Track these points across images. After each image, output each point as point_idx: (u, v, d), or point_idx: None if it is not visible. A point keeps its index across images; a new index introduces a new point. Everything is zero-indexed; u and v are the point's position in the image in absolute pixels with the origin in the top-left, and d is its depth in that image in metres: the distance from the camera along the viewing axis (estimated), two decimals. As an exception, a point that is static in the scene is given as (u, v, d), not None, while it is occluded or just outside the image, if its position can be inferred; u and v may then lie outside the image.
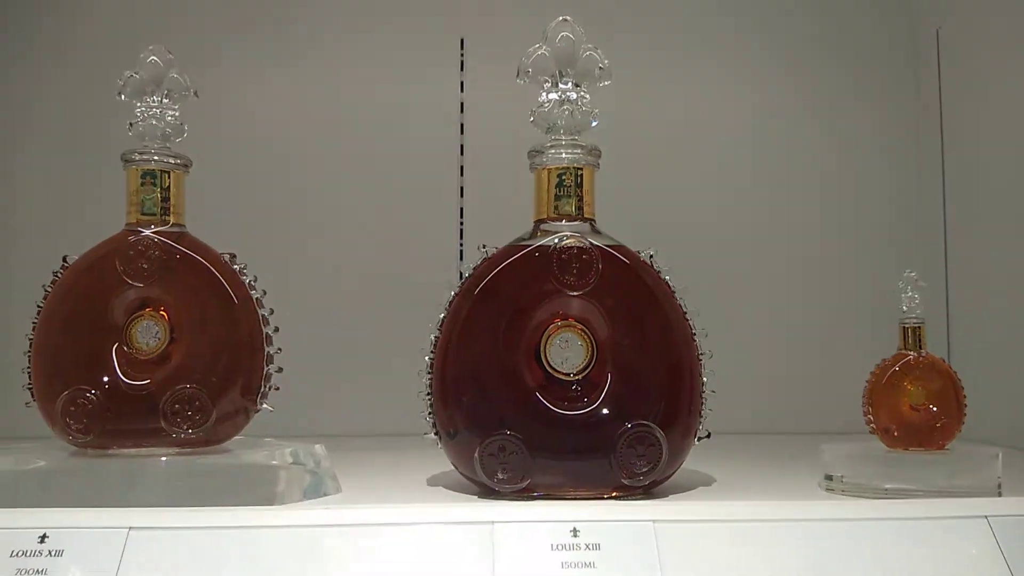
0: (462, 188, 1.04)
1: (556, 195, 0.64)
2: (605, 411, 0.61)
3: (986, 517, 0.48)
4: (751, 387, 1.00)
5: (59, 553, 0.44)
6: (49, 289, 0.62)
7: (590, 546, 0.46)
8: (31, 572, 0.43)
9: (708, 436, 0.64)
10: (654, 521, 0.47)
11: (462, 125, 1.05)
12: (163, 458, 0.57)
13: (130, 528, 0.45)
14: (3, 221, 0.99)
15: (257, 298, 0.63)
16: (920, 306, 0.64)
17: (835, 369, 0.95)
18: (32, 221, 1.00)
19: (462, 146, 1.05)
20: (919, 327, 0.64)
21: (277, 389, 0.64)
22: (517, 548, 0.45)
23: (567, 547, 0.46)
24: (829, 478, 0.63)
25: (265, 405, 0.63)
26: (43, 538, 0.44)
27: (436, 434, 0.64)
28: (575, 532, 0.46)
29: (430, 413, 0.64)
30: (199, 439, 0.60)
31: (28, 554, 0.44)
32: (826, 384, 1.00)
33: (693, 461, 0.65)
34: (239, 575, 0.44)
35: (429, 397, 0.65)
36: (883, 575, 0.46)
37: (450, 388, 0.64)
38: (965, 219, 1.00)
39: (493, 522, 0.47)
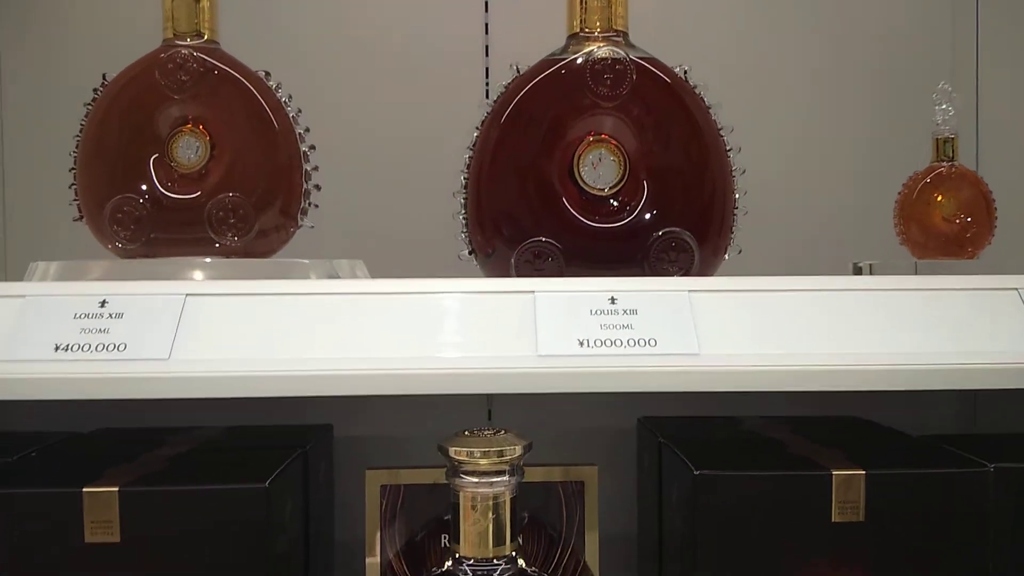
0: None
1: (588, 6, 0.64)
2: (638, 223, 0.62)
3: (1017, 290, 0.49)
4: (781, 206, 0.97)
5: (119, 316, 0.46)
6: (90, 106, 0.63)
7: (628, 311, 0.47)
8: (93, 331, 0.45)
9: (739, 252, 0.65)
10: (690, 291, 0.48)
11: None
12: (207, 259, 0.58)
13: (187, 295, 0.47)
14: (44, 41, 0.97)
15: (293, 116, 0.64)
16: (953, 118, 0.64)
17: (867, 190, 0.91)
18: (71, 41, 0.97)
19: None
20: (952, 139, 0.64)
21: (316, 207, 0.65)
22: (557, 312, 0.47)
23: (605, 312, 0.47)
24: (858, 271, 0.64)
25: (305, 222, 0.65)
26: (103, 303, 0.46)
27: (471, 253, 0.66)
28: (613, 300, 0.48)
29: (465, 233, 0.66)
30: (242, 250, 0.61)
31: (90, 316, 0.46)
32: (858, 204, 0.97)
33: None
34: (289, 336, 0.46)
35: (464, 218, 0.66)
36: (912, 340, 0.47)
37: (485, 209, 0.65)
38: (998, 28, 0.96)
39: (534, 291, 0.48)
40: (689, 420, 0.81)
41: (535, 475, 0.69)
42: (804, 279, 0.49)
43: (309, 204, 0.65)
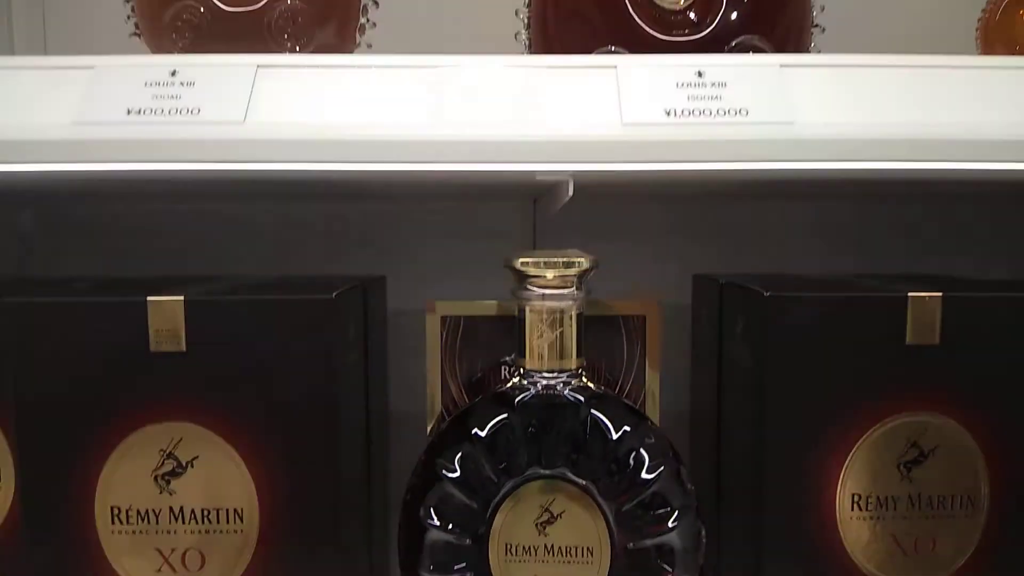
0: None
1: None
2: (712, 37, 0.59)
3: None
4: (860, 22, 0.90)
5: (191, 84, 0.44)
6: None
7: (716, 84, 0.45)
8: (166, 97, 0.44)
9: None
10: (781, 65, 0.46)
11: None
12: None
13: (258, 66, 0.45)
14: None
15: (350, -76, 0.62)
16: (1046, -72, 0.61)
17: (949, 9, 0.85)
18: None
19: None
20: (1044, -51, 0.61)
21: (374, 25, 0.64)
22: (641, 85, 0.45)
23: (693, 85, 0.45)
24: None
25: (362, 40, 0.63)
26: (174, 72, 0.45)
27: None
28: (700, 74, 0.46)
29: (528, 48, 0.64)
30: (302, 64, 0.60)
31: (161, 84, 0.44)
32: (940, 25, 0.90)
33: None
34: (351, 104, 0.44)
35: (528, 40, 0.64)
36: (1003, 113, 0.45)
37: (552, 32, 0.62)
38: None
39: (616, 66, 0.46)
40: (748, 275, 0.78)
41: (594, 309, 0.67)
42: (897, 56, 0.47)
43: (367, 20, 0.63)
